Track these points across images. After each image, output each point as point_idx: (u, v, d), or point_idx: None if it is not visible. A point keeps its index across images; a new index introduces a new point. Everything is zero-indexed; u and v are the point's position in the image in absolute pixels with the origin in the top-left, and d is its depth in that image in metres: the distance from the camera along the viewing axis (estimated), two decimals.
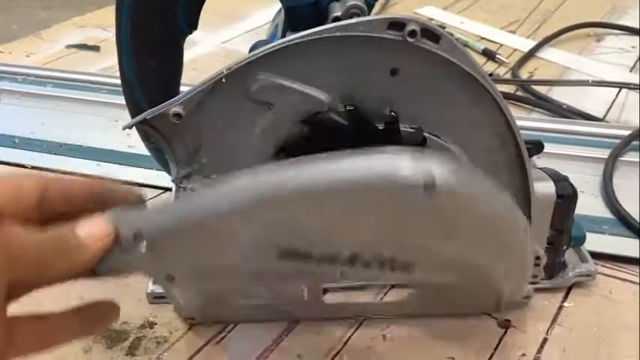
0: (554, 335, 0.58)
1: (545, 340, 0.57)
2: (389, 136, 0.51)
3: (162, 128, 0.51)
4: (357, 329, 0.60)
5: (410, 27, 0.46)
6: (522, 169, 0.54)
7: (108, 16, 1.32)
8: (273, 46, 0.47)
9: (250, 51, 0.51)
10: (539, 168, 0.60)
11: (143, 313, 0.60)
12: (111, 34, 1.26)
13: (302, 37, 0.47)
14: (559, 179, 0.57)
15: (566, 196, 0.56)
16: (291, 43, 0.47)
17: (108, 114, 0.96)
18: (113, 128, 0.92)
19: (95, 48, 1.25)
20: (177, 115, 0.49)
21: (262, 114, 0.51)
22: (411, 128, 0.52)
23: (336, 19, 0.49)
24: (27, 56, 1.22)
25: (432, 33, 0.47)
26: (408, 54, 0.48)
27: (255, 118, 0.51)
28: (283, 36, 0.54)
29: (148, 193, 0.77)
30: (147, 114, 0.50)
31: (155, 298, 0.61)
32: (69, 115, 0.97)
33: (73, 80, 1.07)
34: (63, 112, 0.98)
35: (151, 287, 0.61)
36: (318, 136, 0.51)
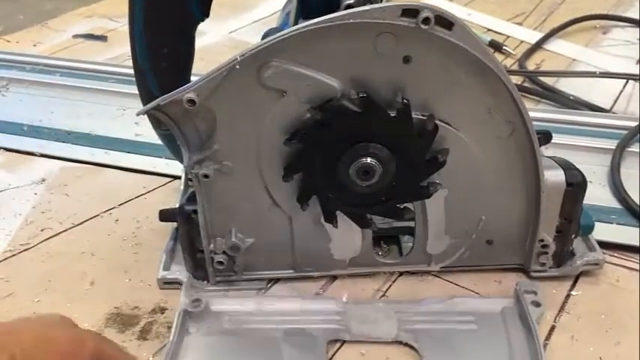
0: (562, 323, 0.58)
1: (553, 328, 0.58)
2: (401, 123, 0.51)
3: (175, 114, 0.51)
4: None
5: (424, 14, 0.46)
6: (533, 156, 0.54)
7: (114, 6, 1.34)
8: (287, 33, 0.48)
9: (263, 38, 0.51)
10: (549, 157, 0.60)
11: (154, 299, 0.61)
12: (119, 24, 1.27)
13: (315, 24, 0.47)
14: (569, 167, 0.58)
15: (576, 184, 0.57)
16: (305, 30, 0.47)
17: (116, 103, 0.96)
18: (121, 117, 0.93)
19: (102, 38, 1.25)
20: (191, 101, 0.50)
21: (275, 100, 0.51)
22: (423, 116, 0.52)
23: (349, 6, 0.50)
24: (34, 45, 1.22)
25: (445, 20, 0.47)
26: (421, 41, 0.48)
27: (267, 104, 0.51)
28: (296, 24, 0.54)
29: (156, 181, 0.79)
30: (161, 100, 0.50)
31: (166, 284, 0.62)
32: (77, 104, 0.97)
33: (82, 69, 1.07)
34: (71, 100, 0.99)
35: (162, 273, 0.62)
36: (330, 122, 0.51)
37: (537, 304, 0.58)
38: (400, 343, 0.56)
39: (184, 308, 0.57)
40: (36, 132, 0.90)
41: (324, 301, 0.60)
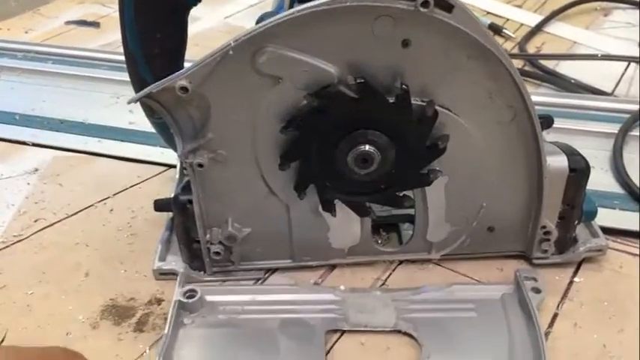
0: (565, 310, 0.57)
1: (555, 315, 0.57)
2: (399, 109, 0.50)
3: (167, 102, 0.50)
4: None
5: None
6: (535, 142, 0.53)
7: None
8: (282, 17, 0.46)
9: (257, 23, 0.49)
10: (552, 142, 0.59)
11: (150, 290, 0.60)
12: (111, 10, 1.25)
13: (311, 7, 0.46)
14: (572, 153, 0.56)
15: (579, 169, 0.56)
16: (300, 14, 0.46)
17: (109, 90, 0.95)
18: (115, 105, 0.92)
19: (95, 24, 1.23)
20: (184, 88, 0.48)
21: (270, 87, 0.50)
22: (422, 101, 0.51)
23: None
24: (26, 32, 1.20)
25: (445, 2, 0.45)
26: (420, 24, 0.47)
27: (263, 91, 0.50)
28: (291, 7, 0.52)
29: (151, 170, 0.77)
30: (152, 87, 0.49)
31: (161, 275, 0.61)
32: (70, 92, 0.96)
33: (74, 57, 1.06)
34: (64, 88, 0.97)
35: (158, 263, 0.61)
36: (327, 109, 0.49)
37: (537, 291, 0.57)
38: (399, 332, 0.55)
39: (179, 299, 0.56)
40: (28, 121, 0.88)
41: (321, 291, 0.59)
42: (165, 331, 0.53)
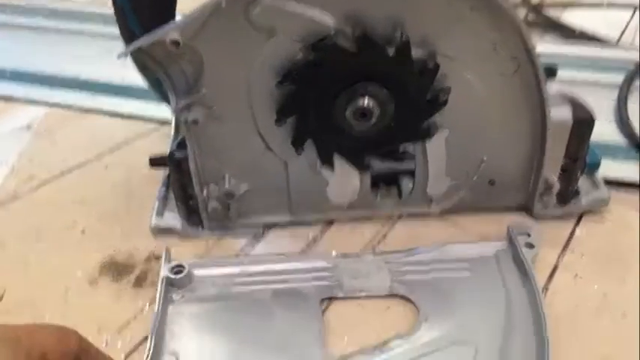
0: (566, 262, 0.57)
1: (556, 267, 0.56)
2: (400, 61, 0.48)
3: (159, 56, 0.48)
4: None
5: None
6: (539, 93, 0.52)
7: None
8: None
9: None
10: (555, 93, 0.57)
11: (148, 247, 0.60)
12: None
13: None
14: (576, 104, 0.55)
15: (584, 120, 0.55)
16: None
17: (102, 45, 0.93)
18: (107, 59, 0.89)
19: None
20: (175, 42, 0.47)
21: (265, 40, 0.48)
22: (423, 53, 0.49)
23: None
24: None
25: None
26: None
27: (257, 44, 0.48)
28: None
29: (146, 126, 0.76)
30: (142, 41, 0.47)
31: (160, 231, 0.60)
32: (61, 47, 0.94)
33: (64, 11, 1.03)
34: (55, 43, 0.95)
35: (155, 220, 0.60)
36: (324, 62, 0.48)
37: (531, 246, 0.55)
38: (396, 295, 0.54)
39: (166, 275, 0.54)
40: (19, 77, 0.87)
41: (312, 259, 0.57)
42: (155, 308, 0.51)
